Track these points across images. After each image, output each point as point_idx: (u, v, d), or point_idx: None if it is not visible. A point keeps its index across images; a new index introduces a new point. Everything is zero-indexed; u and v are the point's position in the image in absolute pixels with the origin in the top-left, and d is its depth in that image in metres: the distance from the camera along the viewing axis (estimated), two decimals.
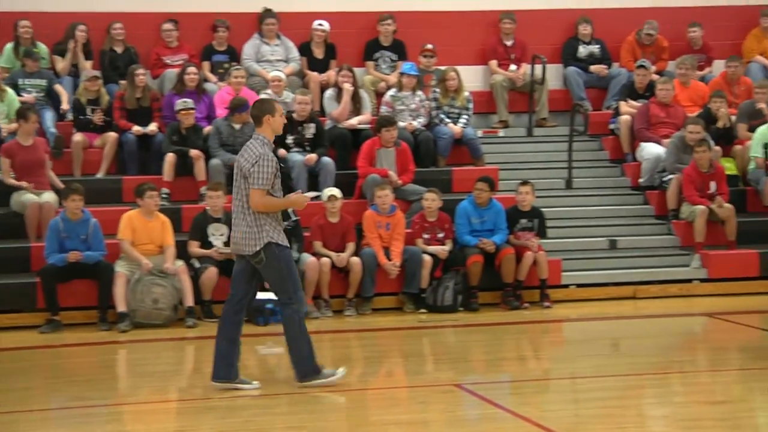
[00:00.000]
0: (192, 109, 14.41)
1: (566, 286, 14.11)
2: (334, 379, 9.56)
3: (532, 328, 12.96)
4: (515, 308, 13.51)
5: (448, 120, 15.42)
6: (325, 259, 13.25)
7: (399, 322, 13.07)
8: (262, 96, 13.77)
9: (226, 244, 13.01)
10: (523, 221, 13.89)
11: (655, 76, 16.07)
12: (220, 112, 14.78)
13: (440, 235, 13.73)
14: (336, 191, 13.59)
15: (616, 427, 8.46)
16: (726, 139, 15.39)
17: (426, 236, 13.69)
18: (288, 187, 11.66)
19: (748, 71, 16.55)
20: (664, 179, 14.81)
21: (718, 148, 14.96)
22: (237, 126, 14.34)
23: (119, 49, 15.72)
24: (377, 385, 10.31)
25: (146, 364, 11.49)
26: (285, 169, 12.84)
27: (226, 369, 9.54)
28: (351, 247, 13.48)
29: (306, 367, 9.50)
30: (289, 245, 9.64)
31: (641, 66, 15.95)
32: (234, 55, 15.99)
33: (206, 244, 13.22)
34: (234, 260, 9.76)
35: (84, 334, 12.46)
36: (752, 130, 15.15)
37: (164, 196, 13.97)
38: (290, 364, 9.57)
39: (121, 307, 12.60)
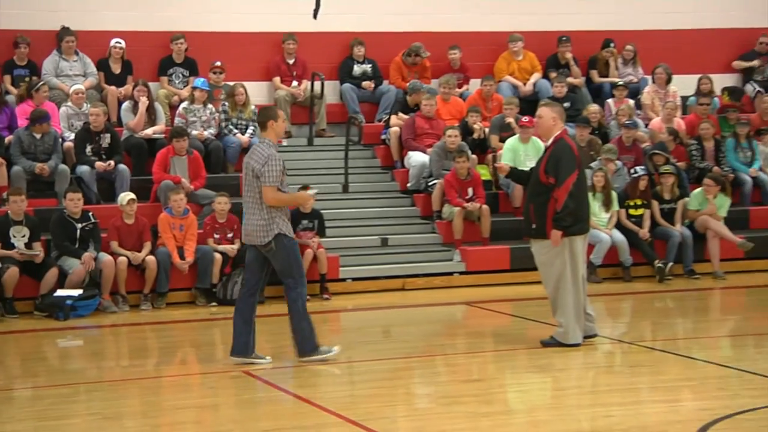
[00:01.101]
0: None
1: (343, 279, 14.13)
2: (331, 356, 9.73)
3: (313, 318, 12.86)
4: None
5: (236, 130, 15.33)
6: (122, 258, 12.97)
7: (192, 315, 12.86)
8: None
9: (27, 245, 12.73)
10: (305, 222, 13.86)
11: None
12: (21, 122, 14.24)
13: (229, 235, 13.59)
14: (132, 195, 13.31)
15: (386, 404, 8.47)
16: (481, 148, 15.73)
17: (216, 236, 13.55)
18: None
19: (499, 89, 16.92)
20: (429, 184, 14.99)
21: (474, 156, 15.23)
22: (38, 135, 13.87)
23: None
24: (171, 373, 10.10)
25: None
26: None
27: (242, 346, 9.70)
28: (147, 246, 13.22)
29: (306, 345, 9.68)
30: (294, 236, 9.87)
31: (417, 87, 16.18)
32: (34, 70, 15.47)
33: (8, 246, 12.70)
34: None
35: None
36: (502, 140, 15.47)
37: None
38: (292, 341, 9.70)
39: None
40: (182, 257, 13.17)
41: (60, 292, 12.58)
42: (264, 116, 9.86)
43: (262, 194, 9.52)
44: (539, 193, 10.00)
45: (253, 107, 15.55)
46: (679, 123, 16.50)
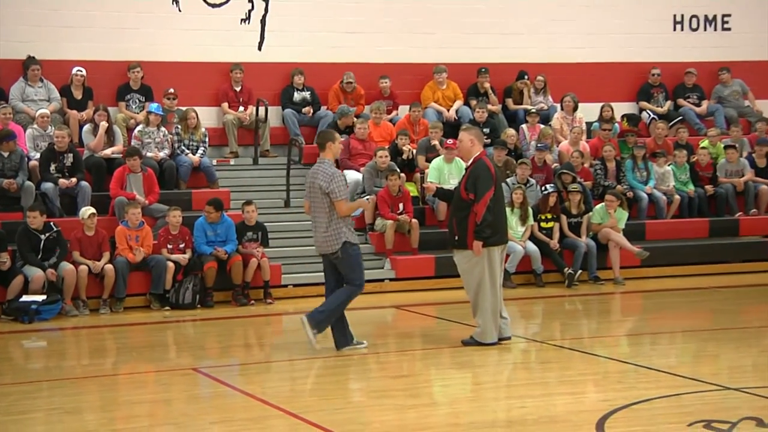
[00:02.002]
0: None
1: (285, 285, 14.07)
2: (362, 348, 10.01)
3: (257, 321, 12.87)
4: (243, 304, 13.40)
5: (188, 151, 15.23)
6: (82, 266, 12.84)
7: (147, 318, 12.72)
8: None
9: None
10: (250, 233, 13.81)
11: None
12: None
13: (182, 245, 13.48)
14: (92, 210, 13.20)
15: (323, 398, 8.46)
16: (409, 168, 15.76)
17: (170, 246, 13.43)
18: None
19: (426, 115, 16.98)
20: (366, 199, 14.94)
21: (403, 175, 15.26)
22: (5, 154, 13.70)
23: None
24: (127, 371, 9.98)
25: None
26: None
27: (344, 338, 9.94)
28: (106, 255, 13.09)
29: (342, 339, 9.98)
30: (357, 242, 10.02)
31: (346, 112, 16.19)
32: (2, 95, 15.25)
33: None
34: None
35: None
36: (429, 161, 15.54)
37: None
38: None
39: None
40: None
41: (25, 298, 12.42)
42: (324, 138, 10.04)
43: (330, 209, 9.73)
44: (461, 208, 10.04)
45: (203, 130, 15.50)
46: (584, 146, 16.68)
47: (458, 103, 17.38)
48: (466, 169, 10.23)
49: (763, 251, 16.29)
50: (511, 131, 16.61)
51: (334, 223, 9.79)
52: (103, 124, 14.72)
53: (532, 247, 14.74)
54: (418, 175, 15.62)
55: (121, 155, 14.57)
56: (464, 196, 9.99)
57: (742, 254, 16.23)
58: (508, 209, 14.73)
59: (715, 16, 19.15)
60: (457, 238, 10.03)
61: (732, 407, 7.63)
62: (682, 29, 19.04)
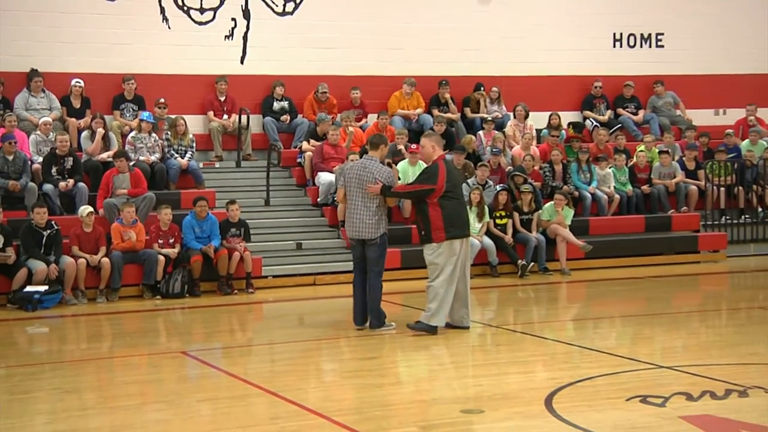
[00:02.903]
0: None
1: (265, 276, 14.03)
2: (391, 329, 10.06)
3: (240, 309, 12.83)
4: (227, 294, 13.35)
5: (176, 155, 15.14)
6: (81, 260, 12.76)
7: (139, 306, 12.66)
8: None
9: (1, 250, 12.49)
10: (233, 230, 13.76)
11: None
12: None
13: (171, 240, 13.41)
14: (90, 208, 13.11)
15: (299, 378, 8.47)
16: None
17: (161, 241, 13.36)
18: None
19: (393, 122, 16.98)
20: (335, 199, 14.95)
21: None
22: (10, 157, 13.60)
23: None
24: (122, 354, 9.92)
25: None
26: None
27: (380, 316, 10.06)
28: (102, 250, 13.01)
29: (377, 320, 10.05)
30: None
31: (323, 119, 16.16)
32: (8, 104, 15.10)
33: None
34: None
35: None
36: (395, 164, 15.50)
37: None
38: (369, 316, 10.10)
39: None
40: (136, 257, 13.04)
41: (29, 288, 12.33)
42: (379, 140, 10.23)
43: (378, 199, 9.81)
44: (420, 204, 9.98)
45: (191, 136, 15.42)
46: (534, 150, 16.74)
47: (419, 111, 17.38)
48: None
49: (692, 244, 16.46)
50: (469, 137, 16.66)
51: (379, 212, 9.89)
52: (100, 131, 14.66)
53: (488, 241, 14.79)
54: None
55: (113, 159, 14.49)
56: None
57: (674, 247, 16.38)
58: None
59: (650, 35, 19.30)
60: (423, 233, 9.96)
61: (665, 384, 7.70)
62: (621, 46, 19.17)
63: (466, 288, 10.08)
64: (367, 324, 10.13)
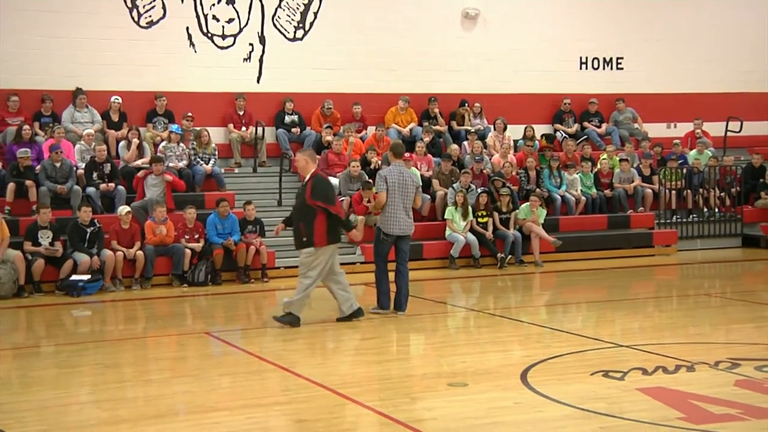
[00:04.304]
0: (28, 156, 13.64)
1: (278, 267, 13.99)
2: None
3: (255, 295, 12.82)
4: (245, 282, 13.36)
5: (201, 162, 15.12)
6: (119, 252, 12.79)
7: (169, 293, 12.66)
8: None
9: (51, 244, 12.48)
10: (250, 227, 13.75)
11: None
12: (46, 155, 13.89)
13: (196, 236, 13.42)
14: (128, 208, 13.12)
15: (308, 356, 8.48)
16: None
17: (187, 237, 13.37)
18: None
19: (389, 134, 16.97)
20: (341, 200, 14.94)
21: (371, 180, 15.22)
22: (57, 164, 13.58)
23: None
24: (154, 334, 9.94)
25: None
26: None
27: (404, 302, 9.94)
28: (137, 244, 13.00)
29: (404, 304, 9.96)
30: None
31: (329, 127, 16.12)
32: (56, 118, 15.11)
33: (36, 244, 12.46)
34: None
35: None
36: None
37: (7, 210, 13.14)
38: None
39: None
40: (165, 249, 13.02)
41: (74, 277, 12.34)
42: (402, 149, 10.24)
43: (409, 200, 9.82)
44: (307, 213, 9.42)
45: (214, 145, 15.42)
46: (512, 158, 16.75)
47: (413, 124, 17.39)
48: (306, 182, 9.54)
49: (647, 240, 16.48)
50: (455, 147, 16.66)
51: (411, 212, 9.95)
52: (135, 141, 14.68)
53: (471, 237, 14.80)
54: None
55: (149, 165, 14.49)
56: (311, 203, 9.36)
57: (632, 242, 16.39)
58: (452, 207, 14.83)
59: (612, 58, 19.31)
60: (305, 239, 9.52)
61: (624, 360, 7.72)
62: (586, 68, 19.17)
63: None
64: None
